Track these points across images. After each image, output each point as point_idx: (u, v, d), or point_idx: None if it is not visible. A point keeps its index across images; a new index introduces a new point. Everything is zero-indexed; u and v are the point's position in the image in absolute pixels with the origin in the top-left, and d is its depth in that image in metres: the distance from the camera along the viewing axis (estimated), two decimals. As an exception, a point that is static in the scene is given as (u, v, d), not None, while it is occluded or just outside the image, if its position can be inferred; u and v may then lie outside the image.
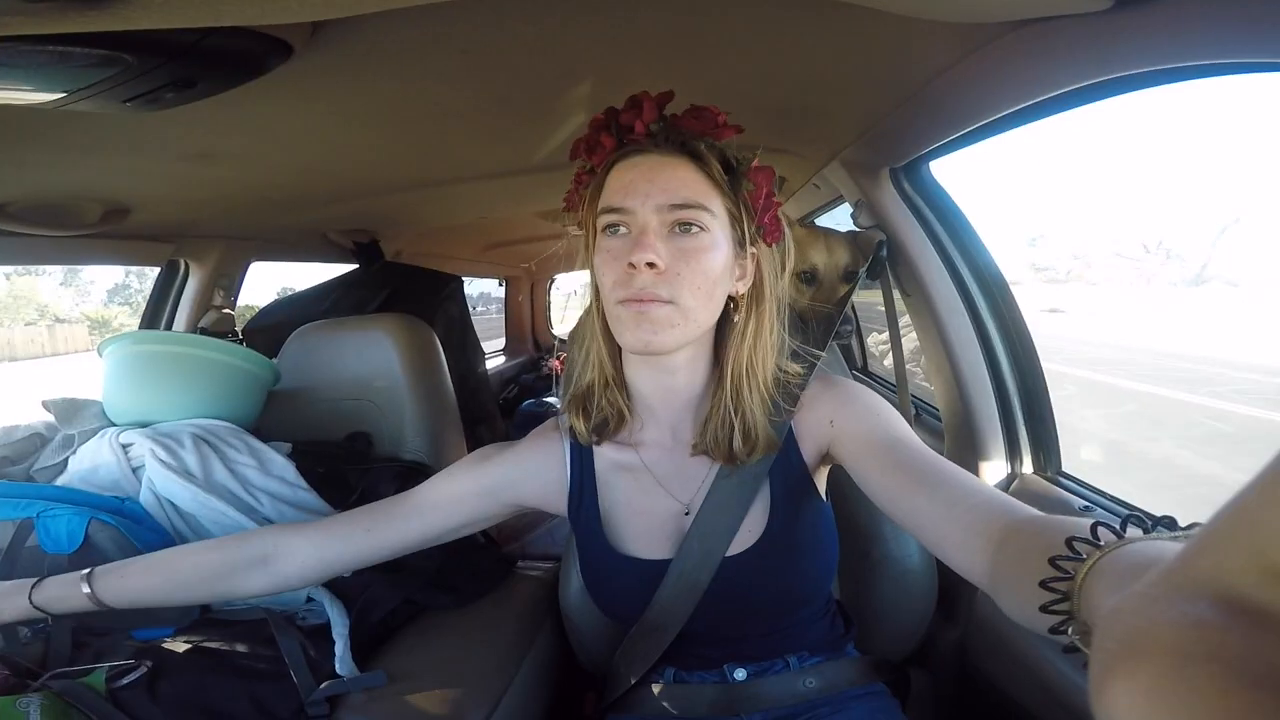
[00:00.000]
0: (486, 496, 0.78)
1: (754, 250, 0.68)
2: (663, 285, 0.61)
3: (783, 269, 0.72)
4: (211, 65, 0.60)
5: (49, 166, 0.97)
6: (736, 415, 0.68)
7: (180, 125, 0.83)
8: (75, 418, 1.13)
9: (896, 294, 1.29)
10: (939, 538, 0.55)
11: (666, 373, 0.71)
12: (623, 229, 0.64)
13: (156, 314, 1.69)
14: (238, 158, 1.06)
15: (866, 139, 1.14)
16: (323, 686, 0.78)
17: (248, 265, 1.84)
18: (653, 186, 0.62)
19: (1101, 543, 0.38)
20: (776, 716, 0.78)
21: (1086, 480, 1.09)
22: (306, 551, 0.77)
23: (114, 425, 1.13)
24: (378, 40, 0.67)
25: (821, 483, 0.76)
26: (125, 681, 0.72)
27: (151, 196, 1.24)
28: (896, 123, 1.02)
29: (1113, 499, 1.02)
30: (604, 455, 0.76)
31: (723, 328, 0.70)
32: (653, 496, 0.74)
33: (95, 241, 1.38)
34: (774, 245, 0.70)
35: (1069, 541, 0.38)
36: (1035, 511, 0.52)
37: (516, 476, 0.79)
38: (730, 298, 0.68)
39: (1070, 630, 0.37)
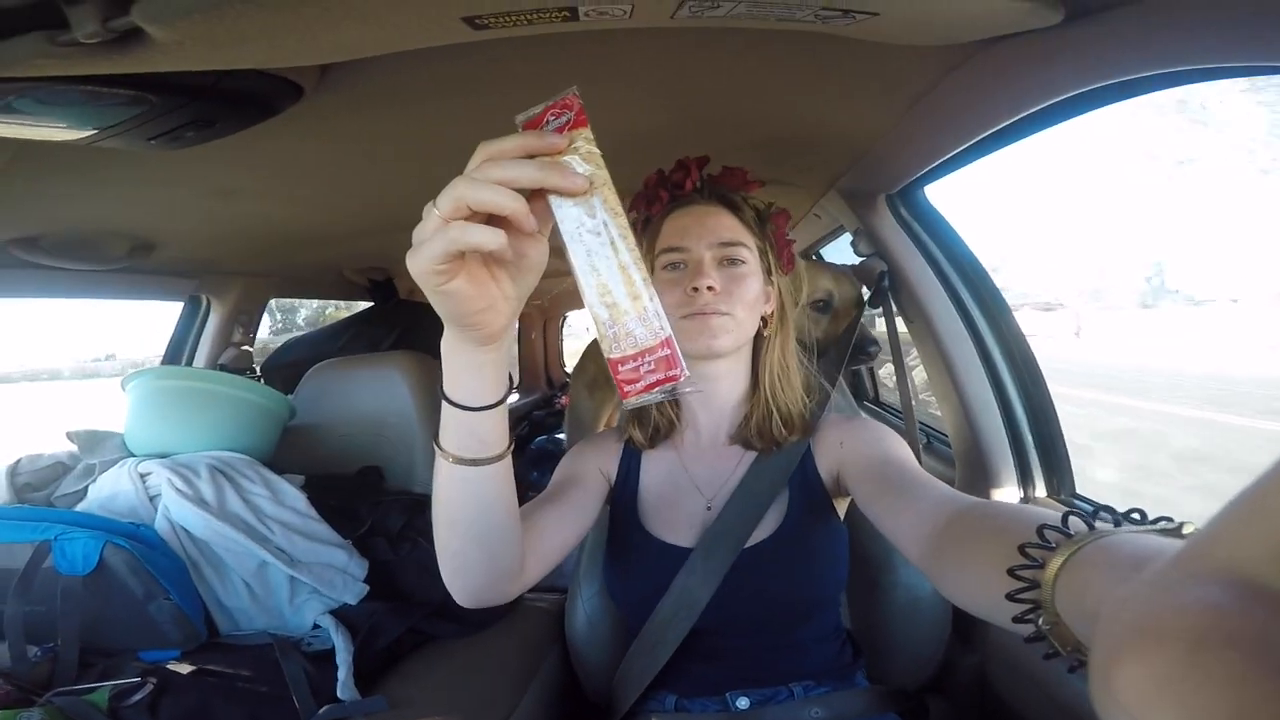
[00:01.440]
0: (593, 474, 0.85)
1: (776, 278, 0.82)
2: (720, 302, 0.75)
3: (797, 292, 0.86)
4: (228, 105, 0.65)
5: (79, 201, 1.02)
6: (775, 406, 0.81)
7: (202, 163, 0.87)
8: (97, 448, 1.16)
9: (900, 321, 1.29)
10: (896, 529, 0.61)
11: (713, 380, 0.82)
12: (681, 264, 0.77)
13: (179, 349, 1.75)
14: (257, 194, 1.11)
15: (860, 167, 1.16)
16: (322, 710, 0.78)
17: (266, 302, 1.90)
18: (703, 229, 0.77)
19: (1072, 532, 0.37)
20: None
21: (1102, 502, 1.07)
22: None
23: (134, 456, 1.16)
24: (384, 81, 0.71)
25: (841, 508, 0.82)
26: (129, 702, 0.72)
27: (176, 232, 1.30)
28: (886, 149, 1.04)
29: (1095, 507, 1.00)
30: (649, 458, 0.87)
31: (756, 346, 0.83)
32: (683, 491, 0.83)
33: (121, 276, 1.44)
34: (789, 274, 0.86)
35: (1040, 530, 0.38)
36: (986, 500, 0.54)
37: (590, 456, 0.88)
38: (762, 318, 0.82)
39: (1041, 621, 0.36)
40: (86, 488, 1.09)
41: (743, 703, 0.78)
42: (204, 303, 1.75)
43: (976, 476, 1.19)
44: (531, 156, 0.42)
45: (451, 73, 0.71)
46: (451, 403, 0.51)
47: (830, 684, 0.80)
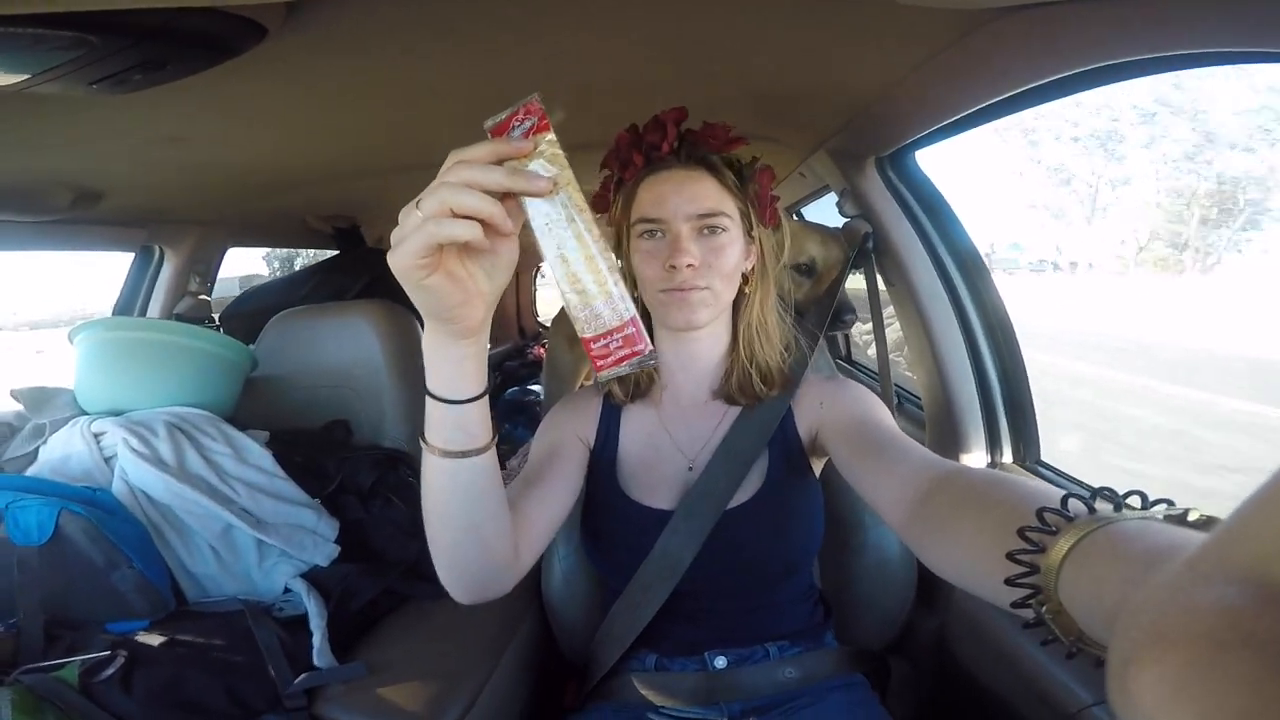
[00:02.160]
0: (572, 443, 0.84)
1: (757, 234, 0.80)
2: (698, 277, 0.73)
3: (780, 249, 0.85)
4: (181, 47, 0.59)
5: (16, 150, 0.94)
6: (752, 364, 0.80)
7: (151, 108, 0.80)
8: (45, 407, 1.10)
9: (881, 283, 1.29)
10: (875, 492, 0.62)
11: (693, 341, 0.82)
12: (658, 234, 0.75)
13: (130, 301, 1.65)
14: (212, 141, 1.03)
15: (852, 128, 1.13)
16: (299, 679, 0.78)
17: (224, 251, 1.80)
18: (681, 199, 0.73)
19: (1072, 515, 0.37)
20: (756, 707, 0.79)
21: (1066, 471, 1.11)
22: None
23: (86, 414, 1.10)
24: (358, 21, 0.65)
25: (816, 467, 0.84)
26: (100, 677, 0.70)
27: (123, 181, 1.21)
28: (882, 111, 1.01)
29: (1091, 489, 1.03)
30: (629, 413, 0.86)
31: (736, 303, 0.82)
32: (663, 452, 0.83)
33: (66, 227, 1.34)
34: (772, 228, 0.83)
35: (1039, 513, 0.37)
36: (970, 468, 0.54)
37: (566, 423, 0.86)
38: (743, 274, 0.80)
39: (1045, 610, 0.36)
40: (37, 450, 1.03)
41: (720, 662, 0.80)
42: (157, 253, 1.65)
43: (946, 439, 1.22)
44: (500, 162, 0.45)
45: (426, 15, 0.65)
46: (435, 397, 0.53)
47: (803, 644, 0.83)
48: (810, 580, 0.89)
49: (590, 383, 0.96)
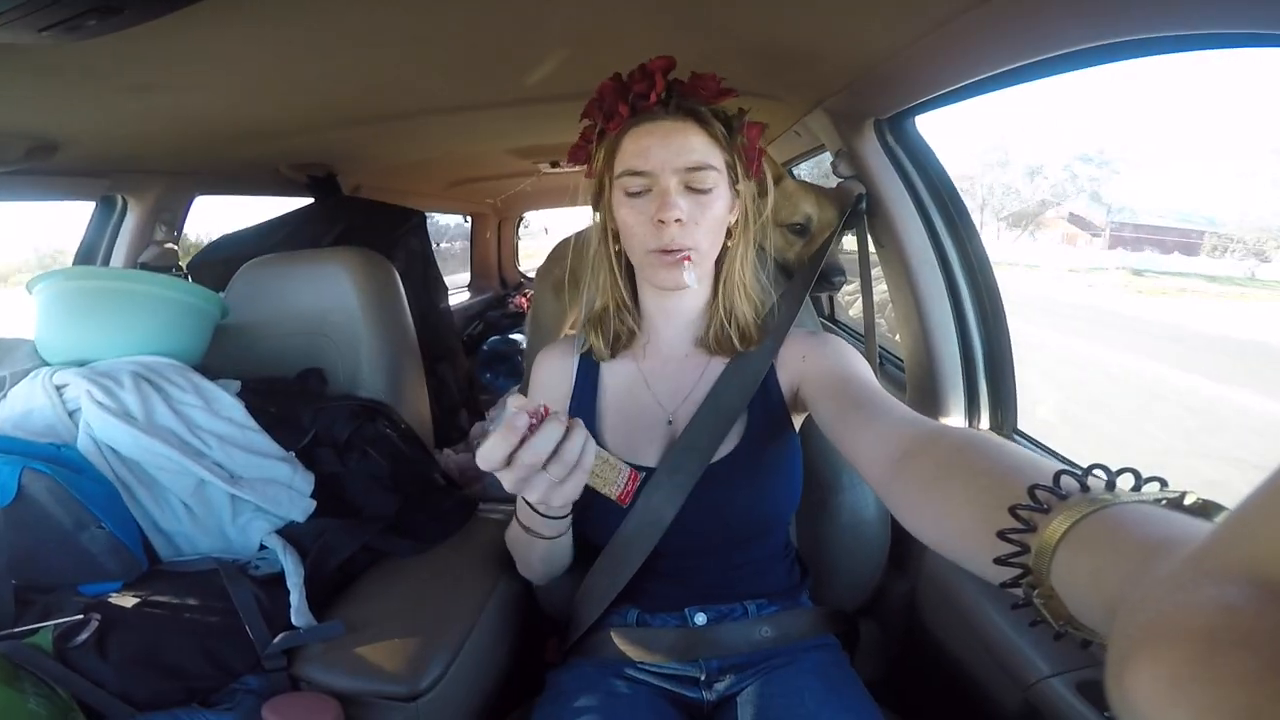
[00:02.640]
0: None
1: (741, 187, 0.79)
2: (685, 234, 0.72)
3: (764, 202, 0.84)
4: (138, -11, 0.53)
5: None
6: (730, 318, 0.81)
7: (114, 56, 0.75)
8: (4, 359, 1.05)
9: (871, 245, 1.28)
10: (855, 448, 0.62)
11: (676, 296, 0.82)
12: (645, 189, 0.73)
13: (91, 251, 1.57)
14: (178, 89, 0.96)
15: (854, 88, 1.09)
16: (278, 639, 0.77)
17: (192, 200, 1.71)
18: (668, 152, 0.72)
19: (1065, 493, 0.36)
20: (733, 664, 0.80)
21: (1041, 440, 1.12)
22: None
23: (47, 365, 1.06)
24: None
25: (796, 422, 0.84)
26: (75, 641, 0.69)
27: (82, 132, 1.13)
28: (887, 73, 0.97)
29: (1065, 460, 1.05)
30: (608, 368, 0.87)
31: (719, 256, 0.81)
32: (643, 406, 0.84)
33: (20, 178, 1.26)
34: (756, 179, 0.82)
35: (1031, 490, 0.37)
36: (952, 429, 0.53)
37: (544, 387, 0.89)
38: (726, 228, 0.79)
39: (1036, 595, 0.35)
40: (-5, 404, 0.99)
41: (700, 618, 0.82)
42: (119, 202, 1.56)
43: (926, 402, 1.23)
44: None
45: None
46: (548, 517, 0.75)
47: (780, 603, 0.85)
48: (787, 538, 0.91)
49: (573, 331, 0.94)
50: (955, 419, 1.20)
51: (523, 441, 0.55)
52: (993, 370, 1.18)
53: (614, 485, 0.65)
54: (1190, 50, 0.58)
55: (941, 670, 0.98)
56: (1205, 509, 0.32)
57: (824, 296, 2.41)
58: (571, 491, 0.60)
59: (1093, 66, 0.70)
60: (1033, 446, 1.12)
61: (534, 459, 0.55)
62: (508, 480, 0.56)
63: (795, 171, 1.88)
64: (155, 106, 1.03)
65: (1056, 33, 0.67)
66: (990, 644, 0.86)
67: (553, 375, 0.88)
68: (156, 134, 1.24)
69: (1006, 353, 1.17)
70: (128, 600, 0.77)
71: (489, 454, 0.54)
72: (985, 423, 1.20)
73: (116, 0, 0.54)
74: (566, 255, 0.97)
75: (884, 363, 1.62)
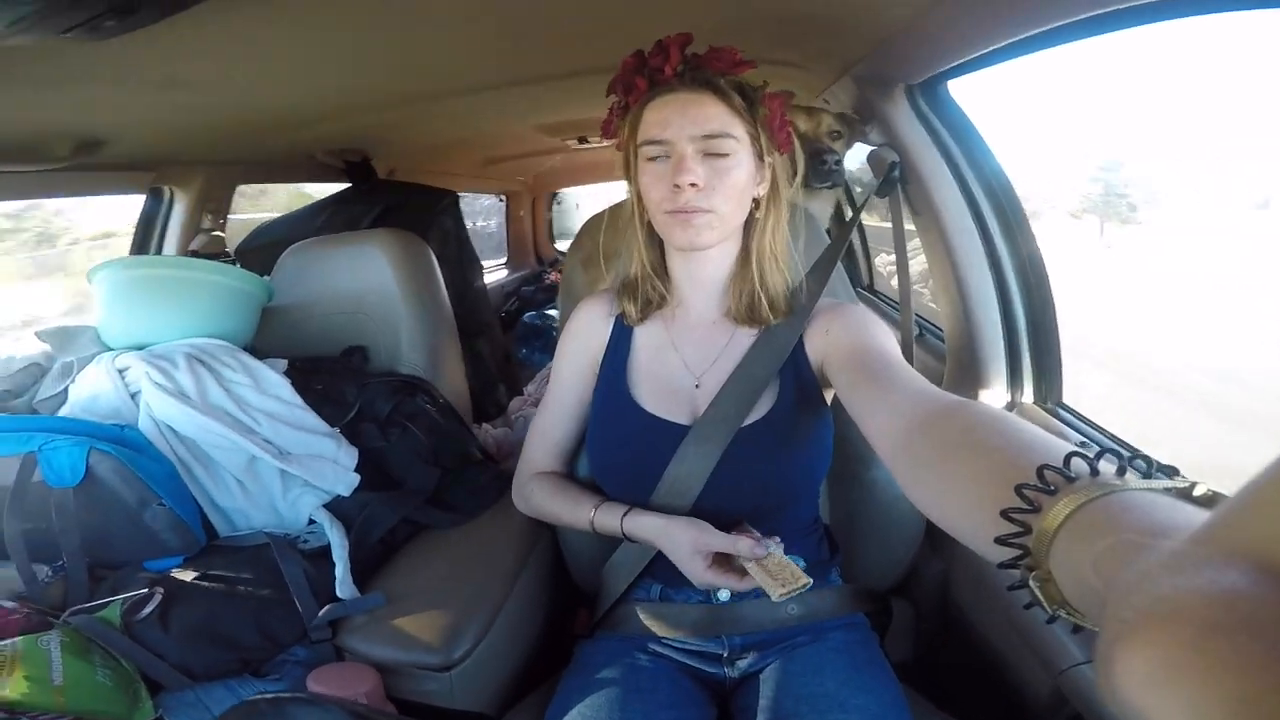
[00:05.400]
0: (589, 367, 0.92)
1: (770, 160, 0.79)
2: (702, 198, 0.74)
3: (794, 173, 0.85)
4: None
5: (11, 101, 0.93)
6: (762, 288, 0.81)
7: (146, 52, 0.78)
8: (70, 345, 1.12)
9: (906, 214, 1.25)
10: (870, 420, 0.62)
11: (702, 263, 0.84)
12: (664, 155, 0.75)
13: (145, 241, 1.66)
14: (209, 82, 1.00)
15: (881, 54, 1.06)
16: (324, 611, 0.82)
17: (235, 188, 1.78)
18: (685, 120, 0.73)
19: (1074, 475, 0.35)
20: (757, 641, 0.81)
21: (1088, 416, 1.08)
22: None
23: (110, 350, 1.12)
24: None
25: (827, 396, 0.84)
26: (141, 615, 0.75)
27: (124, 128, 1.19)
28: (916, 37, 0.94)
29: (1111, 436, 1.01)
30: (641, 330, 0.89)
31: (748, 224, 0.82)
32: (671, 367, 0.86)
33: (71, 175, 1.33)
34: (785, 154, 0.82)
35: (1040, 471, 0.36)
36: (968, 403, 0.52)
37: (580, 341, 0.92)
38: (754, 200, 0.80)
39: (1032, 579, 0.35)
40: (66, 389, 1.06)
41: (724, 594, 0.82)
42: (166, 194, 1.64)
43: (966, 373, 1.20)
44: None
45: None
46: (628, 538, 0.82)
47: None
48: (816, 513, 0.90)
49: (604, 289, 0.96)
50: (997, 389, 1.17)
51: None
52: (1036, 340, 1.14)
53: (783, 586, 0.66)
54: (1243, 9, 0.53)
55: (973, 653, 0.97)
56: (1213, 501, 0.31)
57: (863, 267, 2.36)
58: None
59: (1148, 24, 0.66)
60: (1079, 420, 1.08)
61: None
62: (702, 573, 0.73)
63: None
64: (191, 100, 1.07)
65: None
66: (1022, 628, 0.84)
67: (591, 325, 0.91)
68: (195, 127, 1.29)
69: (1051, 322, 1.12)
70: (187, 575, 0.83)
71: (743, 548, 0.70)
72: (1028, 395, 1.16)
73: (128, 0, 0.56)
74: (598, 229, 0.98)
75: (923, 333, 1.58)
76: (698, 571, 0.73)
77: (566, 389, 0.92)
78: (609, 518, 0.81)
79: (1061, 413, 1.11)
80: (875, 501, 1.00)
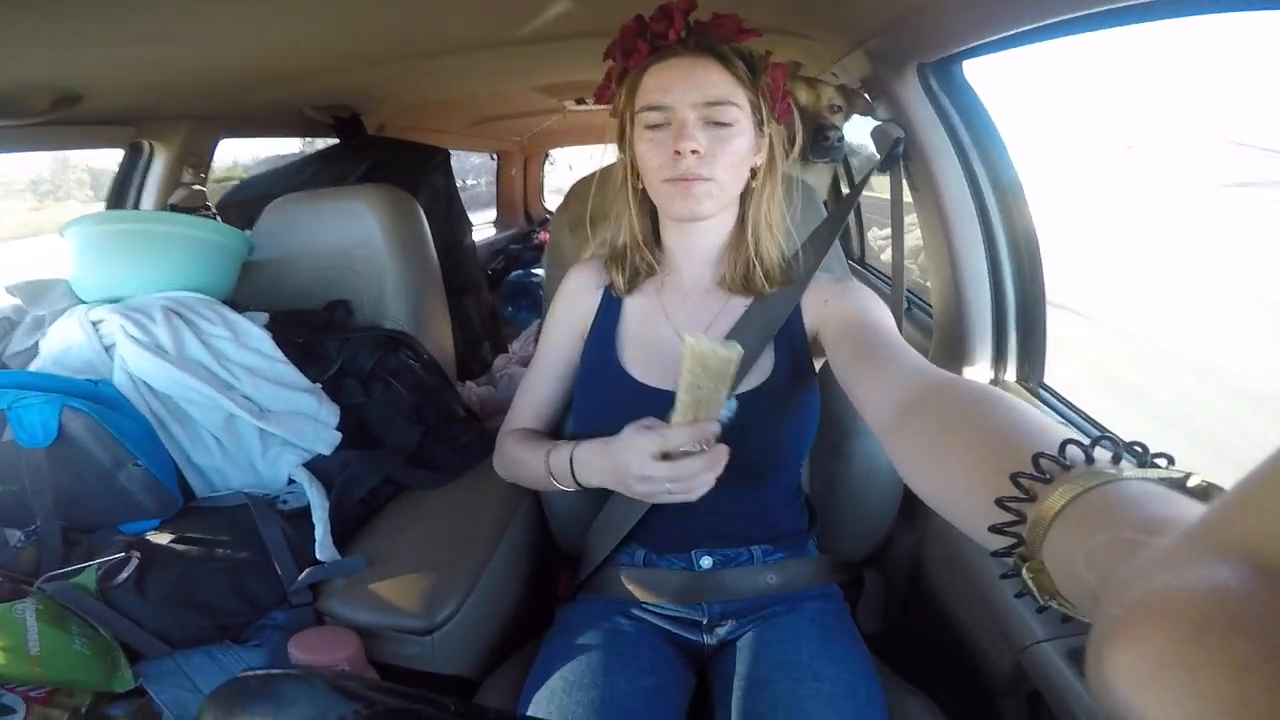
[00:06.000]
0: (577, 334, 0.91)
1: (769, 130, 0.78)
2: (703, 166, 0.73)
3: (792, 144, 0.84)
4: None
5: None
6: (757, 257, 0.81)
7: (127, 6, 0.76)
8: (42, 298, 1.09)
9: (906, 190, 1.25)
10: (863, 393, 0.63)
11: (697, 233, 0.83)
12: (664, 122, 0.74)
13: (121, 196, 1.60)
14: (198, 37, 0.96)
15: (896, 29, 1.04)
16: (303, 575, 0.81)
17: (217, 142, 1.73)
18: (688, 85, 0.72)
19: (1069, 463, 0.35)
20: (736, 609, 0.82)
21: (1066, 397, 1.09)
22: None
23: (83, 303, 1.09)
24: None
25: (816, 363, 0.85)
26: (117, 580, 0.73)
27: (105, 83, 1.15)
28: (934, 15, 0.92)
29: (1089, 419, 1.02)
30: (630, 300, 0.88)
31: (744, 194, 0.81)
32: (661, 335, 0.85)
33: (47, 129, 1.28)
34: (784, 124, 0.81)
35: (1035, 459, 0.36)
36: (962, 382, 0.53)
37: (571, 307, 0.91)
38: (751, 169, 0.79)
39: (1025, 570, 0.34)
40: (37, 343, 1.03)
41: (706, 562, 0.83)
42: (146, 148, 1.58)
43: (952, 350, 1.21)
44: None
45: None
46: (581, 485, 0.79)
47: (786, 549, 0.85)
48: (799, 482, 0.91)
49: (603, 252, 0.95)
50: (980, 367, 1.18)
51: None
52: (1024, 322, 1.15)
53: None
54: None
55: (939, 627, 0.99)
56: (1207, 492, 0.31)
57: (855, 242, 2.36)
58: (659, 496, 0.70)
59: (1171, 18, 0.65)
60: (1059, 402, 1.09)
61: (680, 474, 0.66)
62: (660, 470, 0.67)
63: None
64: (176, 53, 1.03)
65: None
66: (989, 604, 0.86)
67: (581, 293, 0.91)
68: (179, 81, 1.24)
69: (1040, 304, 1.13)
70: (164, 537, 0.82)
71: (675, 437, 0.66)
72: (1011, 374, 1.17)
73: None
74: (586, 192, 0.96)
75: (911, 308, 1.58)
76: (658, 482, 0.68)
77: (554, 349, 0.92)
78: (560, 458, 0.79)
79: (1043, 393, 1.12)
80: (854, 472, 1.01)
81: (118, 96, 1.27)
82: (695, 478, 0.66)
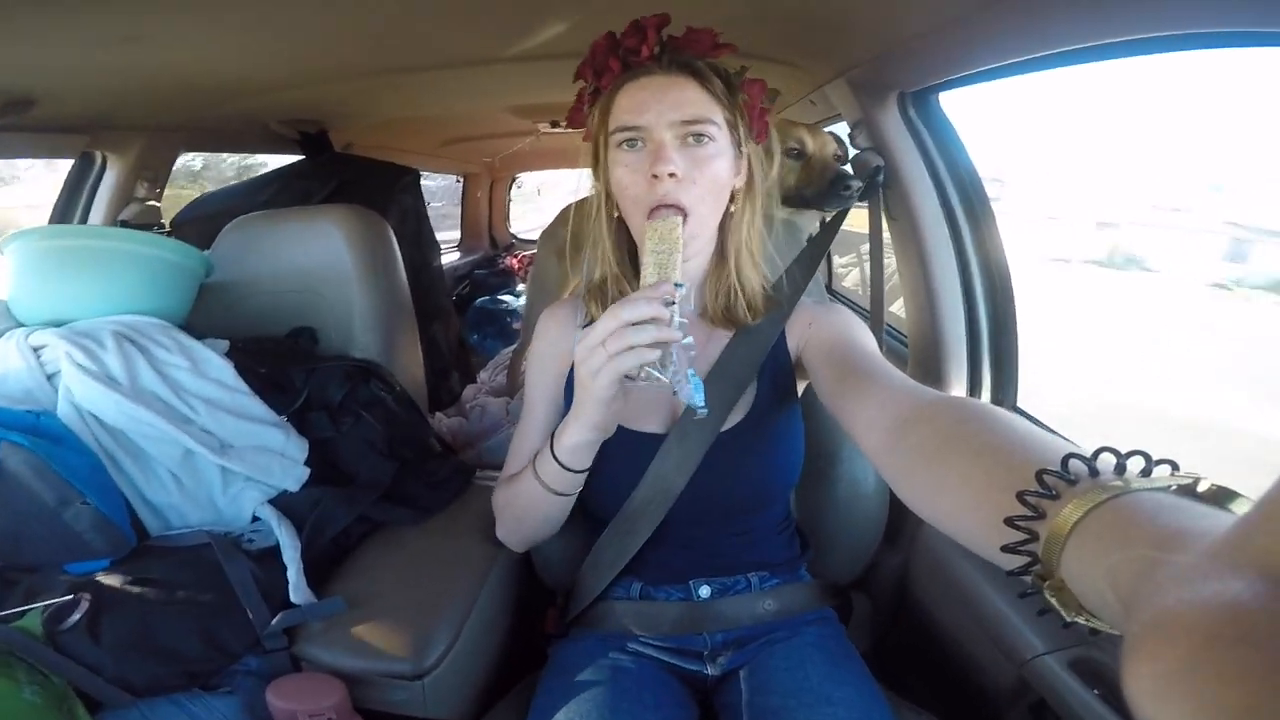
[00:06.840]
0: (558, 380, 0.86)
1: (747, 150, 0.76)
2: (682, 191, 0.68)
3: (770, 161, 0.83)
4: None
5: None
6: (740, 285, 0.79)
7: (96, 8, 0.72)
8: (-27, 320, 1.00)
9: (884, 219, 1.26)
10: (853, 416, 0.61)
11: None
12: (639, 143, 0.70)
13: (68, 210, 1.50)
14: (162, 42, 0.91)
15: (882, 60, 1.06)
16: (278, 619, 0.75)
17: (176, 156, 1.64)
18: (664, 105, 0.68)
19: (1074, 477, 0.35)
20: (736, 637, 0.81)
21: (1040, 419, 1.11)
22: None
23: (22, 326, 1.00)
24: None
25: (799, 388, 0.84)
26: (67, 624, 0.67)
27: (60, 86, 1.08)
28: (919, 49, 0.94)
29: (1067, 441, 1.05)
30: None
31: (723, 221, 0.78)
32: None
33: None
34: (761, 144, 0.79)
35: (1039, 476, 0.35)
36: (954, 400, 0.53)
37: (548, 355, 0.87)
38: (730, 193, 0.76)
39: (1046, 588, 0.34)
40: (-32, 370, 0.94)
41: (704, 591, 0.82)
42: (99, 159, 1.49)
43: (928, 372, 1.23)
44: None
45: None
46: (569, 469, 0.73)
47: (781, 576, 0.85)
48: (789, 509, 0.91)
49: (570, 295, 0.92)
50: (956, 391, 1.20)
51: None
52: (997, 349, 1.18)
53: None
54: (1241, 46, 0.55)
55: (933, 644, 0.99)
56: (1219, 496, 0.31)
57: (823, 266, 2.40)
58: (621, 368, 0.61)
59: (1145, 55, 0.68)
60: (1034, 425, 1.11)
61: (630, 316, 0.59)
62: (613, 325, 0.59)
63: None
64: (138, 59, 0.98)
65: (1104, 20, 0.64)
66: (984, 620, 0.86)
67: (557, 336, 0.86)
68: (139, 89, 1.18)
69: (1012, 333, 1.16)
70: (116, 579, 0.74)
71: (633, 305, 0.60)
72: (986, 398, 1.20)
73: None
74: (570, 219, 0.94)
75: (886, 334, 1.61)
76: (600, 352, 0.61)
77: (540, 399, 0.86)
78: (542, 456, 0.75)
79: (1022, 410, 1.15)
80: (839, 497, 1.01)
81: (73, 101, 1.19)
82: (638, 331, 0.59)
